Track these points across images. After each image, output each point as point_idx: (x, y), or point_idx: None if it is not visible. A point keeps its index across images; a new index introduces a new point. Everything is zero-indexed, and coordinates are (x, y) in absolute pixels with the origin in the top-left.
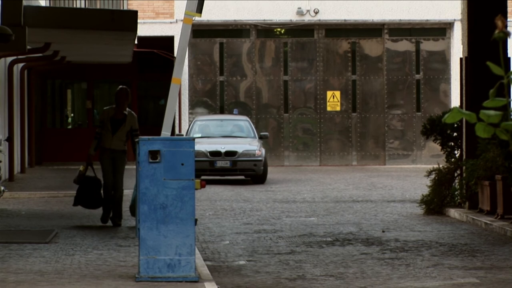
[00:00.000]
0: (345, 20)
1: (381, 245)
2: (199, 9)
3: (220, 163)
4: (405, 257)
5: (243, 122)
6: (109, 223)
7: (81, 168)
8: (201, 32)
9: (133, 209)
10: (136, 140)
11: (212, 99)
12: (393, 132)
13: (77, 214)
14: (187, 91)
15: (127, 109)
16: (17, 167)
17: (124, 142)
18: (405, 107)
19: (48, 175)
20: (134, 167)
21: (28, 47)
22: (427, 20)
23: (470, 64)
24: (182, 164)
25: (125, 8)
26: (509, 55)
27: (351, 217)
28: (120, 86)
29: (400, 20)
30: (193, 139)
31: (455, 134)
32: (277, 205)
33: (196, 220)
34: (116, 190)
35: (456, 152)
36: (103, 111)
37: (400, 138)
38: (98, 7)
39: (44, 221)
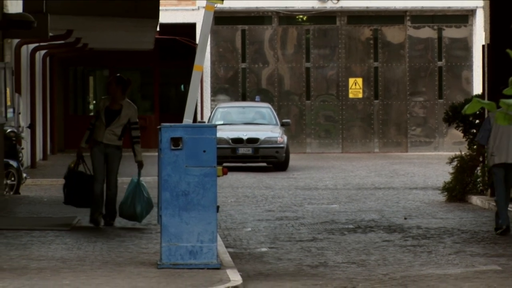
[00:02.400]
0: (367, 7)
1: (403, 232)
2: None
3: (242, 150)
4: (427, 244)
5: (265, 109)
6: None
7: (71, 163)
8: (223, 19)
9: (121, 210)
10: (136, 136)
11: (234, 86)
12: (415, 119)
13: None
14: (209, 78)
15: (126, 99)
16: (39, 154)
17: (119, 137)
18: (427, 94)
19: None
20: (156, 154)
21: (50, 34)
22: (449, 7)
23: (492, 51)
24: (204, 151)
25: None
26: None
27: (373, 204)
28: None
29: (422, 7)
30: (215, 126)
31: (477, 121)
32: (299, 192)
33: (218, 207)
34: (108, 188)
35: None
36: (100, 100)
37: (422, 125)
38: None
39: (66, 208)
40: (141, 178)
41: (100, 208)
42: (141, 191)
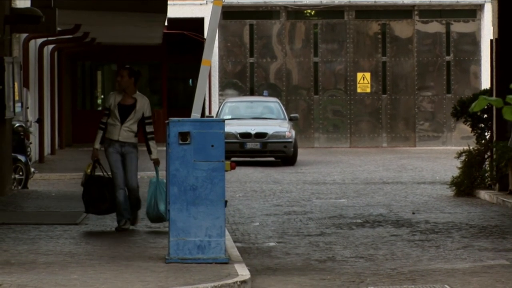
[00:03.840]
0: (375, 1)
1: (411, 227)
2: None
3: (250, 145)
4: (435, 239)
5: (273, 104)
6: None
7: (87, 168)
8: (231, 14)
9: (148, 215)
10: (150, 132)
11: (242, 80)
12: (423, 113)
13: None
14: (217, 73)
15: (137, 92)
16: (47, 149)
17: (135, 134)
18: (435, 88)
19: (78, 157)
20: (164, 148)
21: (58, 28)
22: (457, 1)
23: (500, 46)
24: (212, 146)
25: None
26: None
27: (381, 199)
28: (124, 66)
29: (431, 1)
30: (223, 120)
31: (485, 116)
32: (307, 186)
33: (226, 201)
34: (130, 190)
35: (486, 133)
36: (109, 96)
37: (430, 120)
38: None
39: (74, 203)
40: (143, 174)
41: (126, 215)
42: (162, 189)
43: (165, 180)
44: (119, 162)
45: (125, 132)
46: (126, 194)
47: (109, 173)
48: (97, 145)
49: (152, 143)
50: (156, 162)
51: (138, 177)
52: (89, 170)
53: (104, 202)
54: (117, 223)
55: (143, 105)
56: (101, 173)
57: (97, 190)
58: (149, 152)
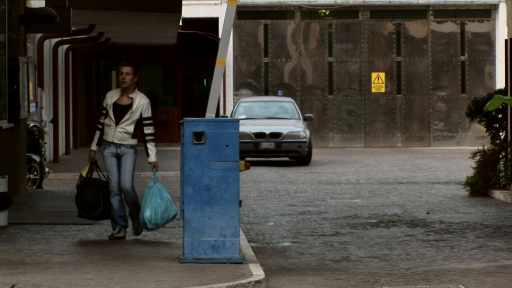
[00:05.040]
0: (390, 1)
1: (426, 227)
2: None
3: (265, 145)
4: (449, 238)
5: (288, 104)
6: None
7: (83, 171)
8: (246, 14)
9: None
10: (149, 134)
11: (256, 80)
12: (437, 113)
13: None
14: (232, 73)
15: (136, 91)
16: (61, 149)
17: (132, 135)
18: (450, 88)
19: None
20: (179, 148)
21: (73, 28)
22: (472, 1)
23: None
24: (227, 146)
25: None
26: None
27: (395, 199)
28: (126, 63)
29: (445, 1)
30: (238, 120)
31: (500, 115)
32: (321, 186)
33: (240, 201)
34: (123, 193)
35: (501, 133)
36: (107, 95)
37: (445, 120)
38: None
39: None
40: (157, 174)
41: (121, 223)
42: (156, 195)
43: (161, 185)
44: (115, 166)
45: (119, 133)
46: (121, 200)
47: (106, 175)
48: (94, 147)
49: (150, 146)
50: (154, 166)
51: (137, 177)
52: (85, 173)
53: (98, 207)
54: (112, 231)
55: (141, 105)
56: (97, 176)
57: (92, 194)
58: (147, 154)
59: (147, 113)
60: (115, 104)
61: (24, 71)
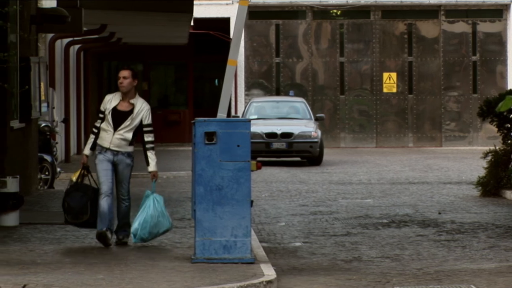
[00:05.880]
0: (401, 1)
1: (437, 227)
2: None
3: (276, 145)
4: (461, 239)
5: (299, 104)
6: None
7: (73, 176)
8: (257, 14)
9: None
10: (149, 142)
11: (268, 80)
12: (449, 113)
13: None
14: (243, 73)
15: (137, 96)
16: (73, 149)
17: (129, 142)
18: (462, 88)
19: None
20: (190, 148)
21: (84, 28)
22: (484, 1)
23: None
24: (238, 146)
25: None
26: None
27: (407, 199)
28: (125, 67)
29: (457, 1)
30: (249, 120)
31: (511, 115)
32: (333, 186)
33: (252, 201)
34: (120, 202)
35: None
36: (105, 98)
37: (456, 120)
38: None
39: None
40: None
41: (107, 224)
42: (149, 207)
43: (159, 196)
44: (109, 171)
45: (117, 140)
46: (111, 202)
47: (96, 183)
48: (87, 151)
49: (150, 154)
50: (154, 176)
51: (134, 179)
52: (75, 178)
53: (84, 213)
54: (97, 231)
55: (142, 111)
56: (88, 182)
57: (79, 198)
58: (147, 163)
59: (148, 119)
60: (114, 109)
61: (36, 71)
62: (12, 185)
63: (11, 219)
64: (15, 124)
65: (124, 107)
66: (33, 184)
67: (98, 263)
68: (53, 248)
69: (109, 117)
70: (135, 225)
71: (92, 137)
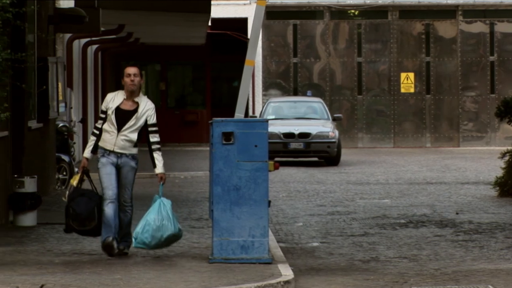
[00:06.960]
0: (419, 1)
1: (455, 227)
2: None
3: (294, 145)
4: (478, 239)
5: (317, 104)
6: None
7: (73, 180)
8: (275, 14)
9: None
10: (155, 142)
11: (285, 81)
12: (467, 114)
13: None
14: (261, 73)
15: (141, 94)
16: None
17: (135, 143)
18: (479, 88)
19: None
20: (208, 149)
21: (102, 29)
22: (501, 1)
23: None
24: (256, 146)
25: None
26: None
27: (424, 199)
28: (131, 63)
29: (474, 1)
30: (267, 120)
31: None
32: (350, 187)
33: (269, 201)
34: (121, 210)
35: None
36: (107, 97)
37: (474, 120)
38: None
39: None
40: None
41: (113, 232)
42: (154, 210)
43: (167, 200)
44: (113, 175)
45: (122, 141)
46: (116, 209)
47: (99, 187)
48: (87, 154)
49: (157, 155)
50: (161, 178)
51: (137, 179)
52: (75, 182)
53: (91, 219)
54: (102, 241)
55: (146, 110)
56: (90, 187)
57: (85, 204)
58: (154, 165)
59: (153, 119)
60: (117, 109)
61: (53, 71)
62: (30, 185)
63: (29, 219)
64: (33, 124)
65: (128, 106)
66: (51, 184)
67: (115, 263)
68: (71, 248)
69: (113, 117)
70: (137, 228)
71: (93, 139)
